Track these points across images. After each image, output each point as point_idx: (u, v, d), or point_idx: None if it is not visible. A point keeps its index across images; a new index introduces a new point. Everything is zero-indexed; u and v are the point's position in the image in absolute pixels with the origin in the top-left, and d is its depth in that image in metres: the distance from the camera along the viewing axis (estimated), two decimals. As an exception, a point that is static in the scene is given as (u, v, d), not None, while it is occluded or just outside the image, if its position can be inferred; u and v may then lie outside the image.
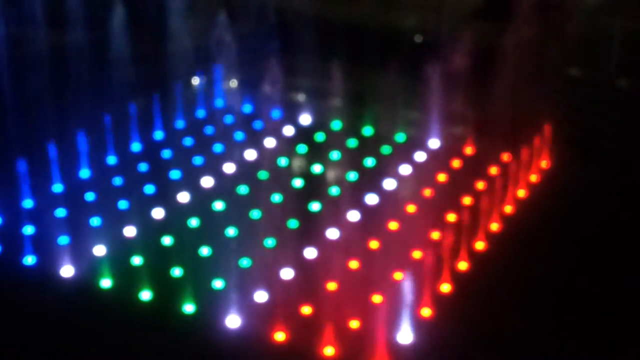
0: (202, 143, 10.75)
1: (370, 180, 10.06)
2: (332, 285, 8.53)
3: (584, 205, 9.79)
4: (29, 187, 9.62)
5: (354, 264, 8.90)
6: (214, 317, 8.32)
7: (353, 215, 9.61)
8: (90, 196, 9.71)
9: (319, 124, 11.28)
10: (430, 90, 10.67)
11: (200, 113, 11.51)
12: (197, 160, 10.45)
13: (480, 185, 10.01)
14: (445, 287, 8.67)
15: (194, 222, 9.38)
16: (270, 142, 10.83)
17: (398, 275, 8.58)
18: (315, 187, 9.96)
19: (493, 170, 10.24)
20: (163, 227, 9.35)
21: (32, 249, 9.00)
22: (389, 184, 10.05)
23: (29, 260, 8.96)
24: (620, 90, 11.93)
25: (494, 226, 9.53)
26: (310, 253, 9.04)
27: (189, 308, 8.42)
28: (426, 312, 8.37)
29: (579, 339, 8.16)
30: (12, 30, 10.31)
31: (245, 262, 8.80)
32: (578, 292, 8.65)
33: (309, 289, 8.51)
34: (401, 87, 10.85)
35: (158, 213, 9.58)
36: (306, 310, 8.36)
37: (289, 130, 11.18)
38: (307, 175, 10.30)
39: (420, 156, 10.61)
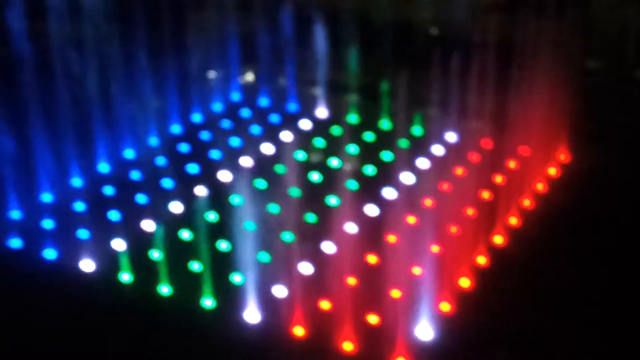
0: (219, 137, 10.79)
1: (388, 174, 10.06)
2: (350, 280, 8.53)
3: (604, 199, 9.76)
4: (49, 181, 9.69)
5: (372, 259, 8.91)
6: (233, 311, 8.35)
7: (371, 209, 9.62)
8: (109, 190, 9.77)
9: (336, 117, 11.30)
10: (448, 84, 10.65)
11: (218, 107, 11.55)
12: (215, 153, 10.50)
13: (498, 179, 9.99)
14: (465, 282, 8.67)
15: (212, 217, 9.40)
16: (286, 136, 10.85)
17: (417, 270, 8.57)
18: (332, 181, 9.95)
19: (511, 164, 10.22)
20: (182, 221, 9.39)
21: (51, 243, 9.05)
22: (407, 177, 10.03)
23: (49, 254, 9.01)
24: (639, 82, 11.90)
25: (513, 220, 9.51)
26: (329, 247, 9.04)
27: (208, 302, 8.46)
28: (445, 307, 8.37)
29: (601, 337, 8.12)
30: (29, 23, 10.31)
31: (264, 257, 8.81)
32: (600, 289, 8.61)
33: (327, 284, 8.51)
34: (418, 81, 10.83)
35: (177, 207, 9.61)
36: (325, 305, 8.37)
37: (305, 124, 11.21)
38: (324, 169, 10.32)
39: (437, 150, 10.60)
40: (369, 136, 10.98)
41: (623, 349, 8.00)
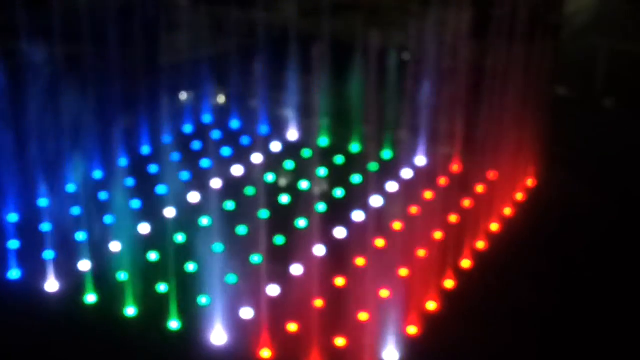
0: (188, 158, 10.76)
1: (357, 197, 10.07)
2: (318, 302, 8.51)
3: (570, 224, 9.85)
4: (14, 200, 9.61)
5: (340, 281, 8.89)
6: (199, 333, 8.29)
7: (339, 232, 9.62)
8: (76, 210, 9.70)
9: (306, 140, 11.33)
10: (417, 108, 10.71)
11: (188, 128, 11.53)
12: (184, 175, 10.47)
13: (466, 202, 10.04)
14: (432, 305, 8.67)
15: (180, 238, 9.35)
16: (257, 158, 10.84)
17: (384, 293, 8.57)
18: (301, 203, 9.93)
19: (479, 188, 10.28)
20: (149, 242, 9.33)
21: (16, 263, 8.95)
22: (376, 200, 10.04)
23: (13, 274, 8.91)
24: (607, 109, 12.05)
25: (480, 244, 9.55)
26: (297, 270, 9.02)
27: (173, 324, 8.39)
28: (412, 330, 8.37)
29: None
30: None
31: (231, 278, 8.77)
32: (564, 313, 8.66)
33: (295, 306, 8.48)
34: (388, 105, 10.89)
35: (144, 228, 9.55)
36: (292, 327, 8.34)
37: (276, 146, 11.22)
38: (293, 192, 10.31)
39: (406, 173, 10.64)
40: (339, 159, 11.01)
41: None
